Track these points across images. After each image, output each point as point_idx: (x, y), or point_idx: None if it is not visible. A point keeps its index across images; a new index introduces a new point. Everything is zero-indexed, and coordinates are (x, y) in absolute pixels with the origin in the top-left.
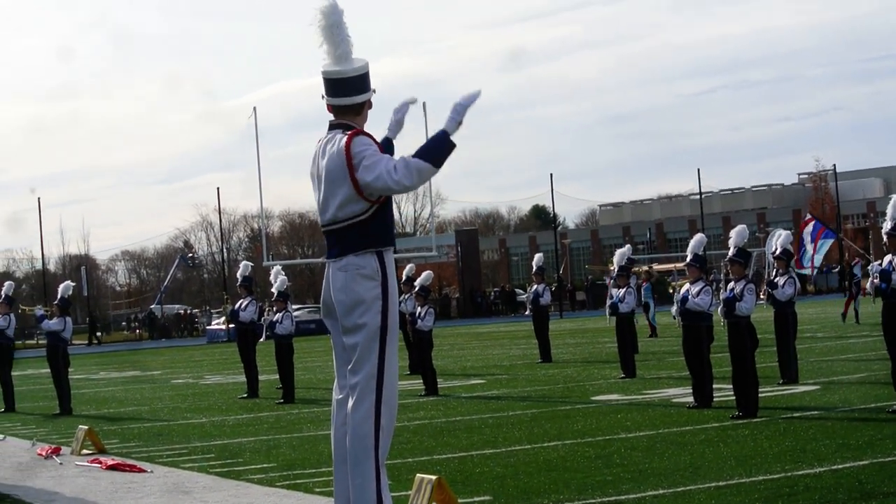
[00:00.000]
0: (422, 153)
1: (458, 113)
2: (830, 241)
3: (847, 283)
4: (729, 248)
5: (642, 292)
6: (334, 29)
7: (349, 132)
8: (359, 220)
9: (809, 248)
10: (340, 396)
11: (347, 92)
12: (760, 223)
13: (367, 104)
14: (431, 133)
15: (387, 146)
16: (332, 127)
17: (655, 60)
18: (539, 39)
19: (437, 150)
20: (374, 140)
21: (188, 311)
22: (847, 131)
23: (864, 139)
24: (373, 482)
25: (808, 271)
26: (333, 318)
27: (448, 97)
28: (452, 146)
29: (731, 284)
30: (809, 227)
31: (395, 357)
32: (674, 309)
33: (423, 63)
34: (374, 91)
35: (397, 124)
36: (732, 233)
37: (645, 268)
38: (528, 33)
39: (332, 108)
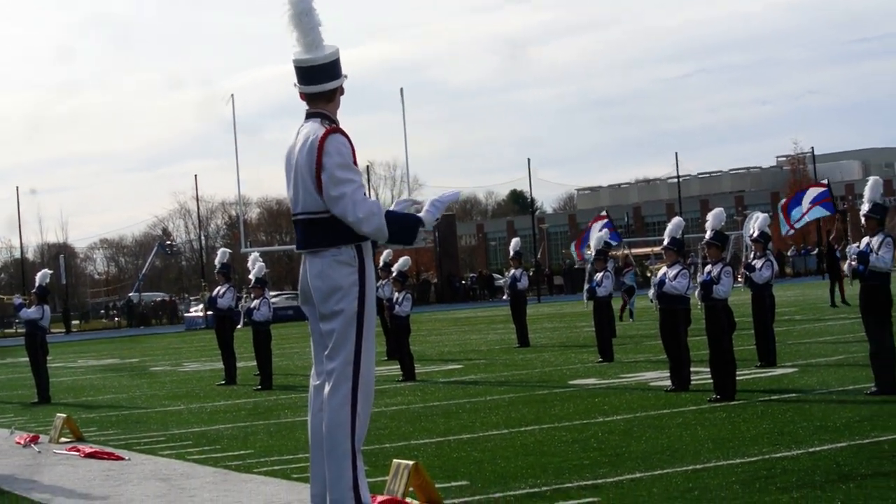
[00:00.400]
0: (391, 219)
1: (438, 210)
2: (825, 214)
3: (826, 265)
4: (706, 232)
5: (627, 277)
6: (303, 17)
7: (327, 127)
8: (331, 214)
9: (805, 206)
10: (317, 383)
11: (319, 79)
12: (738, 206)
13: (339, 90)
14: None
15: None
16: (309, 116)
17: (635, 45)
18: (521, 24)
19: (403, 230)
20: (350, 143)
21: (171, 299)
22: (825, 114)
23: (842, 121)
24: (349, 468)
25: (788, 228)
26: (311, 304)
27: (429, 82)
28: (412, 240)
29: (709, 267)
30: (817, 190)
31: (372, 343)
32: (651, 292)
33: (405, 48)
34: (346, 77)
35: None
36: (709, 216)
37: (624, 251)
38: (511, 18)
39: (304, 96)
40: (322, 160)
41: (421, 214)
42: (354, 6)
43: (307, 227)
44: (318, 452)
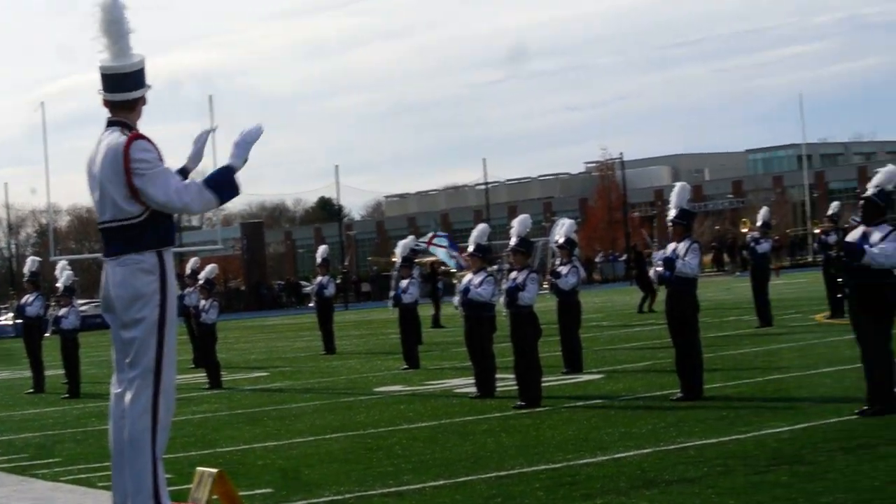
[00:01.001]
0: (212, 184)
1: (244, 150)
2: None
3: (636, 274)
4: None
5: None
6: (113, 25)
7: (129, 134)
8: (136, 220)
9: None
10: (119, 390)
11: (123, 87)
12: (547, 212)
13: (142, 100)
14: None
15: (183, 176)
16: (110, 124)
17: (445, 50)
18: (331, 30)
19: (227, 187)
20: (154, 146)
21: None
22: (635, 120)
23: (652, 127)
24: (149, 476)
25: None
26: (113, 312)
27: (239, 89)
28: (237, 190)
29: (514, 274)
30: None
31: (174, 351)
32: (456, 299)
33: (214, 55)
34: (150, 87)
35: (196, 154)
36: (514, 222)
37: (430, 259)
38: (322, 24)
39: (107, 104)
40: (130, 166)
41: (229, 162)
42: (163, 14)
43: (113, 235)
44: (120, 460)
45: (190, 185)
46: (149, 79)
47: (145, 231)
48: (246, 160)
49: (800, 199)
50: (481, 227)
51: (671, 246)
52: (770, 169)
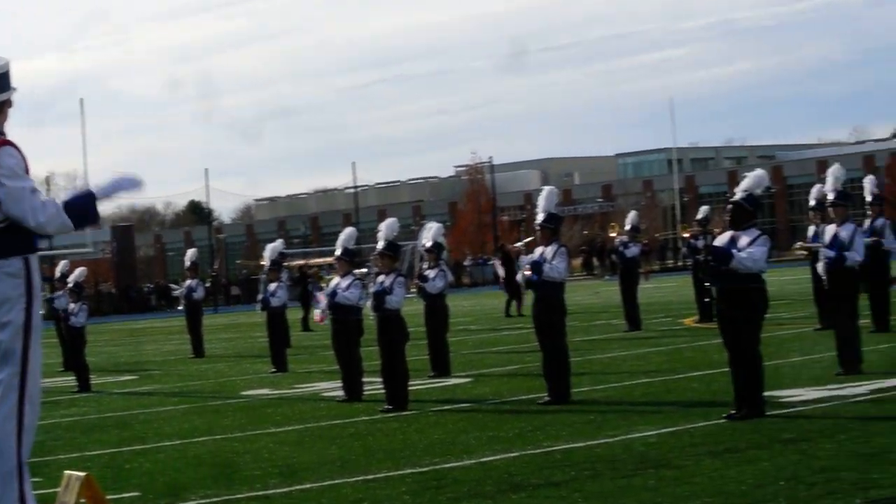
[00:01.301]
0: (70, 208)
1: (114, 189)
2: None
3: (504, 277)
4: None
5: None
6: None
7: None
8: (1, 226)
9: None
10: None
11: None
12: (416, 216)
13: (8, 103)
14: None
15: None
16: None
17: (314, 54)
18: (201, 34)
19: (84, 212)
20: (21, 154)
21: None
22: (505, 124)
23: (522, 131)
24: (15, 481)
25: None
26: None
27: (110, 93)
28: (96, 219)
29: (381, 278)
30: None
31: (39, 354)
32: (323, 303)
33: (85, 59)
34: (16, 90)
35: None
36: (382, 226)
37: (299, 262)
38: (192, 27)
39: None
40: None
41: (95, 189)
42: (30, 18)
43: None
44: None
45: (48, 206)
46: (15, 82)
47: (9, 236)
48: (110, 198)
49: (670, 204)
50: (348, 230)
51: (538, 249)
52: (640, 173)
